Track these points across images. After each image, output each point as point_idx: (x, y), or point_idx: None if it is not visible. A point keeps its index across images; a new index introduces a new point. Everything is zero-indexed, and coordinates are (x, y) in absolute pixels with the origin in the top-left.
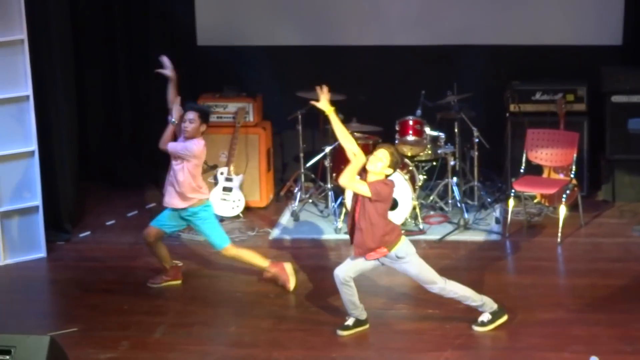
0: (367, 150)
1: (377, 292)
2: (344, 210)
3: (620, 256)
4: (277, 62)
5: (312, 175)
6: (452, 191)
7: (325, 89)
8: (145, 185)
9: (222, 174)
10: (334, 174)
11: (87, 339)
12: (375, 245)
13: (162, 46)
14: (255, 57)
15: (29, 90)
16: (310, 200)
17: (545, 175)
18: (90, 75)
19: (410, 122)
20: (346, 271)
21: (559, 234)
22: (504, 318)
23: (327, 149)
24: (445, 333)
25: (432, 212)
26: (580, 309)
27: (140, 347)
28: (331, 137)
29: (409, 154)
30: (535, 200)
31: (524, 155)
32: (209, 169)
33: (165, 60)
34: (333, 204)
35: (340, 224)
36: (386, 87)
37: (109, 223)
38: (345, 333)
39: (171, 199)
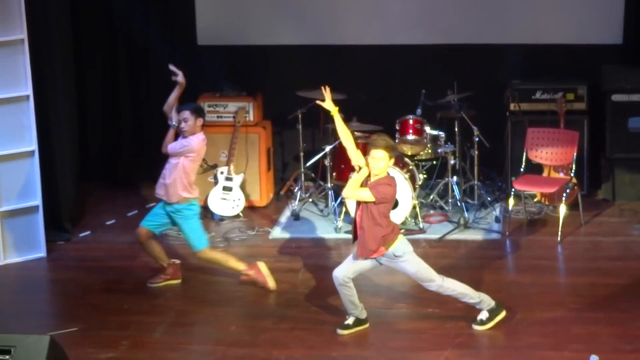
0: (367, 150)
1: (377, 292)
2: (344, 209)
3: (620, 255)
4: (277, 61)
5: (312, 175)
6: (452, 190)
7: (328, 89)
8: (145, 185)
9: (222, 173)
10: (334, 173)
11: (87, 339)
12: (377, 245)
13: (162, 45)
14: (256, 56)
15: (29, 90)
16: (311, 200)
17: (545, 174)
18: (91, 74)
19: (411, 121)
20: (345, 272)
21: (559, 233)
22: (503, 314)
23: (327, 148)
24: (445, 332)
25: (432, 211)
26: (580, 308)
27: (140, 346)
28: (331, 137)
29: (409, 153)
30: (535, 199)
31: (524, 154)
32: (209, 168)
33: (174, 68)
34: (333, 203)
35: (340, 223)
36: (386, 86)
37: (109, 223)
38: (345, 332)
39: (160, 190)
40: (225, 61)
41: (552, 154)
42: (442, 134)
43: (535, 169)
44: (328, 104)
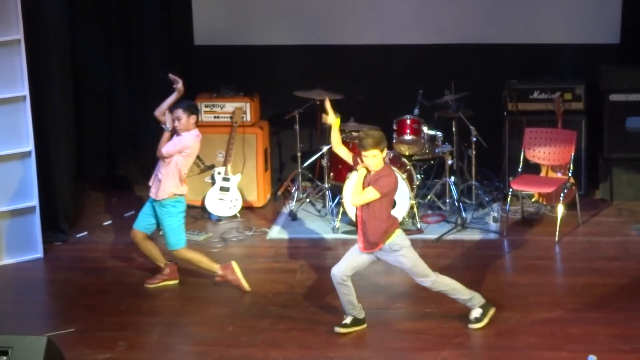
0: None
1: (375, 292)
2: (341, 209)
3: (618, 255)
4: (275, 61)
5: (310, 175)
6: (450, 190)
7: (328, 101)
8: (142, 186)
9: (219, 173)
10: (332, 174)
11: (84, 340)
12: (379, 239)
13: (159, 46)
14: (253, 56)
15: (25, 91)
16: (308, 200)
17: (543, 174)
18: (87, 75)
19: (408, 122)
20: (343, 270)
21: (557, 233)
22: (493, 310)
23: (325, 149)
24: (443, 332)
25: (429, 212)
26: (578, 308)
27: (137, 347)
28: (328, 137)
29: (407, 153)
30: (533, 199)
31: (522, 154)
32: (206, 168)
33: (174, 76)
34: (330, 203)
35: (337, 224)
36: (384, 86)
37: (105, 223)
38: (342, 330)
39: (154, 188)
40: (222, 61)
41: (549, 154)
42: (439, 134)
43: (532, 168)
44: (331, 118)
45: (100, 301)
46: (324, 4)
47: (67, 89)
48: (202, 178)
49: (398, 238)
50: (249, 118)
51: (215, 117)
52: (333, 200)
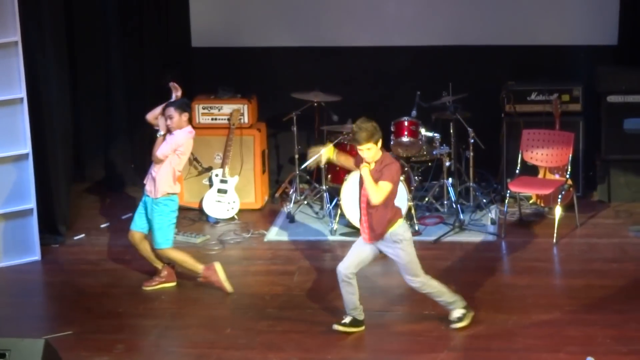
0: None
1: (373, 294)
2: (339, 211)
3: (616, 257)
4: (272, 63)
5: (308, 177)
6: (448, 192)
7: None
8: (139, 188)
9: (217, 175)
10: (329, 176)
11: (81, 342)
12: (383, 229)
13: (156, 47)
14: (250, 58)
15: (22, 93)
16: (306, 202)
17: (540, 175)
18: (85, 77)
19: (406, 123)
20: (348, 267)
21: (555, 235)
22: (472, 313)
23: (323, 151)
24: (441, 334)
25: (427, 213)
26: (576, 310)
27: (135, 350)
28: (326, 139)
29: (405, 155)
30: (530, 201)
31: (520, 156)
32: (204, 170)
33: (175, 84)
34: (328, 205)
35: (335, 226)
36: (381, 88)
37: (103, 226)
38: (340, 328)
39: (149, 186)
40: (219, 63)
41: (547, 156)
42: (437, 135)
43: (530, 170)
44: (323, 154)
45: (97, 304)
46: (322, 6)
47: (65, 91)
48: (200, 180)
49: (400, 228)
50: (246, 120)
51: (212, 119)
52: (331, 202)
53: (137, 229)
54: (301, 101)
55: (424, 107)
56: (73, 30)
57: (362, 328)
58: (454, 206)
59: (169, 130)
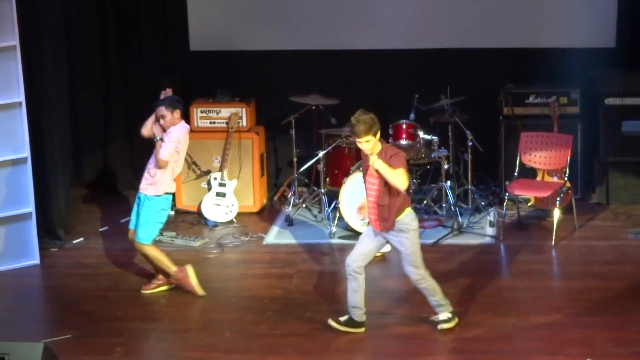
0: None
1: (372, 297)
2: (337, 214)
3: (615, 259)
4: (270, 66)
5: (306, 180)
6: (446, 195)
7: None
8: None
9: (215, 179)
10: (328, 179)
11: (80, 346)
12: (394, 218)
13: (154, 51)
14: (249, 61)
15: (21, 97)
16: (304, 205)
17: (539, 178)
18: (83, 81)
19: (404, 126)
20: (356, 259)
21: (553, 237)
22: (457, 320)
23: (321, 154)
24: (440, 337)
25: (426, 216)
26: (575, 312)
27: (134, 353)
28: (324, 142)
29: None
30: (529, 204)
31: (518, 159)
32: (203, 174)
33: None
34: (327, 208)
35: (334, 229)
36: (380, 91)
37: (102, 229)
38: (333, 324)
39: (144, 183)
40: (218, 67)
41: (545, 158)
42: (435, 138)
43: (529, 173)
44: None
45: (96, 307)
46: (320, 10)
47: (63, 95)
48: (199, 184)
49: (407, 217)
50: (245, 123)
51: (211, 122)
52: (329, 206)
53: (133, 227)
54: (299, 104)
55: (422, 110)
56: (71, 35)
57: (360, 330)
58: (453, 209)
59: (163, 130)
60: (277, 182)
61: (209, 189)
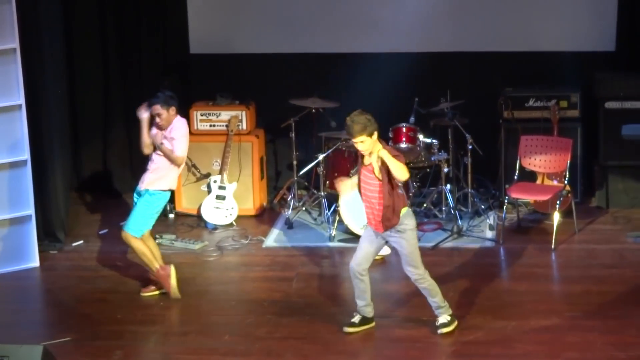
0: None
1: (372, 299)
2: (337, 217)
3: (615, 262)
4: (270, 69)
5: (306, 183)
6: (446, 198)
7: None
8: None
9: (215, 182)
10: (328, 182)
11: (80, 349)
12: (394, 216)
13: (154, 54)
14: (248, 64)
15: (21, 99)
16: (304, 208)
17: (539, 181)
18: (83, 84)
19: (404, 129)
20: (360, 263)
21: (553, 241)
22: (457, 322)
23: (321, 157)
24: (439, 341)
25: (425, 219)
26: (575, 316)
27: (133, 356)
28: (324, 145)
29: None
30: (529, 207)
31: (518, 162)
32: (202, 177)
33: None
34: (326, 211)
35: (334, 232)
36: (379, 94)
37: (101, 232)
38: (351, 330)
39: (145, 180)
40: (217, 70)
41: (545, 162)
42: (435, 142)
43: (528, 176)
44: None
45: (96, 310)
46: (320, 12)
47: (63, 98)
48: (198, 186)
49: (404, 217)
50: (244, 126)
51: (211, 125)
52: (329, 209)
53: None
54: (299, 107)
55: (422, 114)
56: (71, 38)
57: (373, 324)
58: (452, 212)
59: (160, 128)
60: (277, 185)
61: (209, 191)
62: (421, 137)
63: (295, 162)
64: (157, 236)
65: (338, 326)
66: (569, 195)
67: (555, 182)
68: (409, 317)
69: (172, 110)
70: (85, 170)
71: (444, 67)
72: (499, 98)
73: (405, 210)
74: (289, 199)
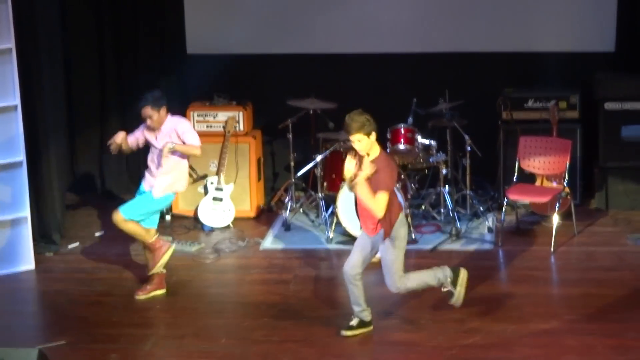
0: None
1: (371, 302)
2: (335, 219)
3: (614, 265)
4: (268, 70)
5: (303, 185)
6: (444, 200)
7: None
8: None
9: (212, 183)
10: (325, 183)
11: (76, 352)
12: (395, 220)
13: (151, 54)
14: (246, 65)
15: (17, 100)
16: (301, 210)
17: (538, 183)
18: (79, 84)
19: (402, 131)
20: (354, 266)
21: (552, 243)
22: (462, 274)
23: (318, 158)
24: (437, 344)
25: (424, 222)
26: (574, 319)
27: (129, 359)
28: (322, 147)
29: (401, 163)
30: (528, 209)
31: (517, 163)
32: (199, 178)
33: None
34: (324, 213)
35: (331, 234)
36: (377, 95)
37: (98, 234)
38: (349, 333)
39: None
40: (214, 70)
41: (544, 163)
42: (433, 143)
43: (527, 178)
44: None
45: (92, 313)
46: (317, 13)
47: (60, 99)
48: (195, 188)
49: (396, 224)
50: (241, 127)
51: (207, 126)
52: (327, 210)
53: (148, 226)
54: (297, 108)
55: (420, 115)
56: (68, 38)
57: (371, 328)
58: (451, 214)
59: (150, 128)
60: (274, 187)
61: (206, 193)
62: (419, 138)
63: (292, 164)
64: None
65: (336, 329)
66: (568, 197)
67: (554, 184)
68: (407, 320)
69: (163, 110)
70: (82, 171)
71: (443, 68)
72: (497, 99)
73: (400, 218)
74: (286, 200)
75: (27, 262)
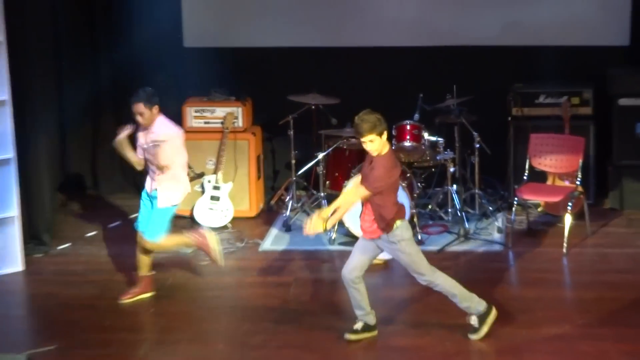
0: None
1: (374, 306)
2: None
3: (629, 267)
4: (268, 64)
5: (305, 183)
6: (452, 199)
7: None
8: (128, 195)
9: (209, 182)
10: (328, 182)
11: (66, 358)
12: (387, 225)
13: (147, 48)
14: (245, 59)
15: (6, 95)
16: (303, 210)
17: (549, 182)
18: (72, 80)
19: (408, 127)
20: (352, 270)
21: (565, 244)
22: (493, 314)
23: (320, 156)
24: (444, 349)
25: (430, 222)
26: (588, 324)
27: None
28: (324, 144)
29: (407, 161)
30: (539, 209)
31: (527, 161)
32: (196, 176)
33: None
34: None
35: (334, 235)
36: (382, 90)
37: (89, 234)
38: (353, 337)
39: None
40: (212, 64)
41: (556, 161)
42: (441, 140)
43: (538, 176)
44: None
45: (83, 317)
46: (319, 5)
47: (51, 94)
48: (192, 187)
49: (397, 230)
50: (240, 123)
51: (205, 122)
52: None
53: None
54: (298, 104)
55: (427, 110)
56: (59, 32)
57: (375, 332)
58: (459, 214)
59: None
60: (275, 186)
61: (203, 192)
62: (426, 135)
63: (293, 161)
64: None
65: (338, 334)
66: (581, 196)
67: (566, 183)
68: (412, 324)
69: (155, 109)
70: (73, 170)
71: (450, 62)
72: (507, 94)
73: (398, 223)
74: (287, 199)
75: (15, 264)
